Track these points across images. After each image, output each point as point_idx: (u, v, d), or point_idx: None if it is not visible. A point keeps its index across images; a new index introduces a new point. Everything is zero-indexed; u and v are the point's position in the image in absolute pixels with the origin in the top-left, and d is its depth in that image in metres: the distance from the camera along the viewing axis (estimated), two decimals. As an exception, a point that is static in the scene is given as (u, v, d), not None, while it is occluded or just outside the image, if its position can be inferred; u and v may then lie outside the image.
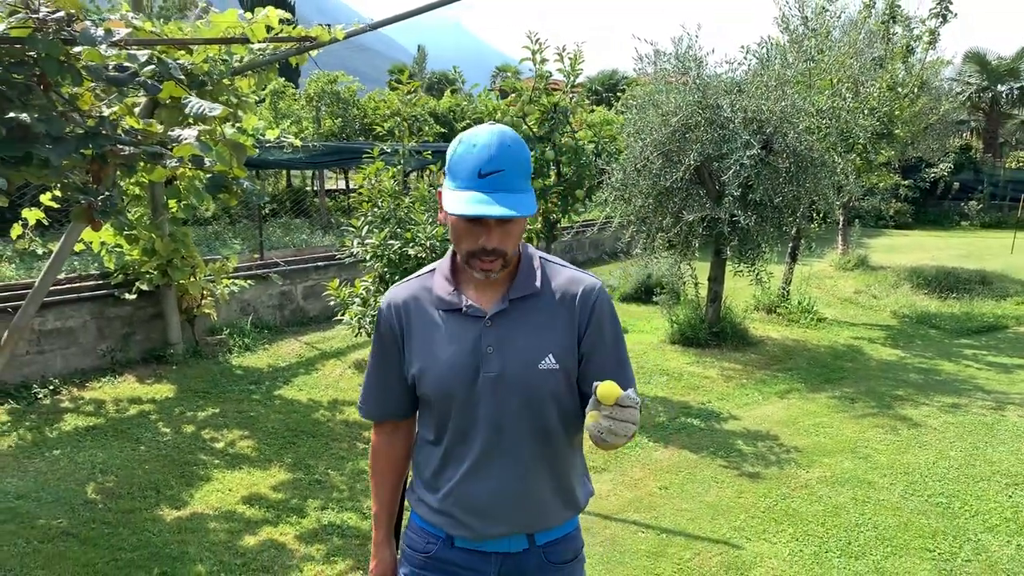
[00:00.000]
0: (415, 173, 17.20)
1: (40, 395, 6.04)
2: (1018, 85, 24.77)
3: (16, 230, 6.41)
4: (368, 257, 6.36)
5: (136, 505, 4.36)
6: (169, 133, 4.63)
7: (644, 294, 10.53)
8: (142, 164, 4.77)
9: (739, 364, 7.59)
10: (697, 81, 7.25)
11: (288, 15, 5.39)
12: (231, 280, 7.58)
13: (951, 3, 12.11)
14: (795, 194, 7.21)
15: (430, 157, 9.27)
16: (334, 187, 20.58)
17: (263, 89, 6.30)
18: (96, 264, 7.85)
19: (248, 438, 5.44)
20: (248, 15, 5.15)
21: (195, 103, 4.42)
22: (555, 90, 6.52)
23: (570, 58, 6.29)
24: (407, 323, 1.79)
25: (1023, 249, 15.77)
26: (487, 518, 1.75)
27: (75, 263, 8.25)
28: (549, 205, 6.56)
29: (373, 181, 6.82)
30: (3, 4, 3.98)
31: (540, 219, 6.63)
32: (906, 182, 14.19)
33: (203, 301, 7.36)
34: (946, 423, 5.99)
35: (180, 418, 5.78)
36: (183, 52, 5.39)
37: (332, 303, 7.06)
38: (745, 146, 6.77)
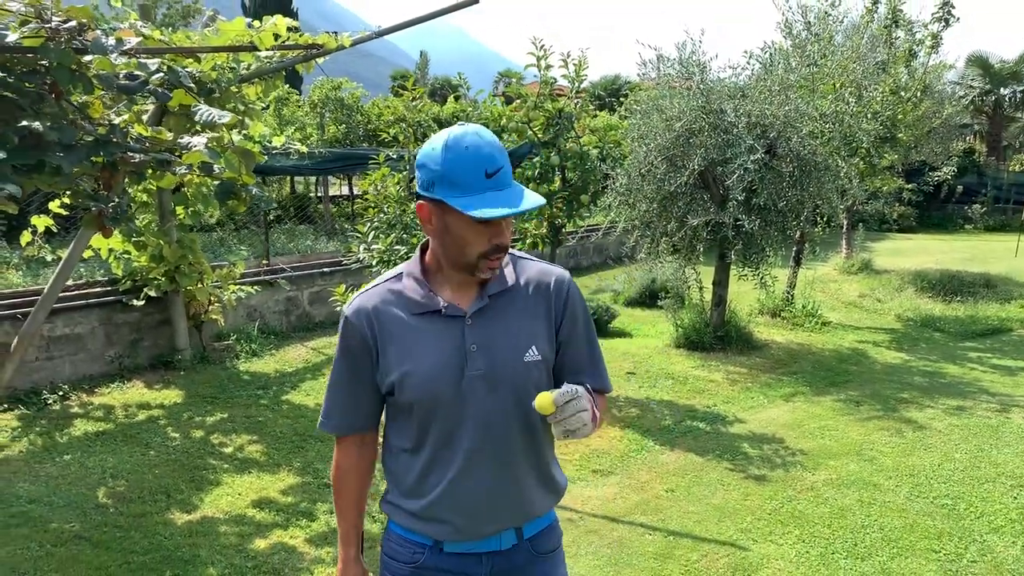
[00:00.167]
0: (420, 179, 17.19)
1: (50, 400, 6.09)
2: (1021, 88, 24.78)
3: (26, 237, 6.47)
4: (374, 263, 6.39)
5: (147, 509, 4.40)
6: (178, 140, 4.68)
7: (649, 298, 10.55)
8: (150, 171, 4.82)
9: (744, 368, 7.62)
10: (701, 86, 7.29)
11: (295, 23, 5.44)
12: (238, 286, 7.63)
13: (953, 7, 12.13)
14: (799, 198, 7.25)
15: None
16: (337, 193, 20.64)
17: (269, 96, 6.34)
18: (102, 271, 7.90)
19: (257, 443, 5.48)
20: (256, 23, 5.20)
21: (205, 110, 4.46)
22: (560, 95, 6.56)
23: (575, 64, 6.34)
24: (379, 330, 1.74)
25: (1027, 252, 15.79)
26: (479, 517, 1.76)
27: (81, 270, 8.31)
28: (554, 210, 6.60)
29: (379, 187, 6.85)
30: (14, 14, 4.03)
31: (545, 224, 6.66)
32: (909, 186, 14.21)
33: (210, 307, 7.40)
34: (951, 425, 6.01)
35: (189, 423, 5.82)
36: (191, 60, 5.44)
37: (338, 308, 7.09)
38: (749, 151, 6.80)
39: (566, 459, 5.24)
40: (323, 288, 8.96)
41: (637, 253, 8.25)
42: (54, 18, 4.05)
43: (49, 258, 6.82)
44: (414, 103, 6.87)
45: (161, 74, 4.41)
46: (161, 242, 6.84)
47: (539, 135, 6.51)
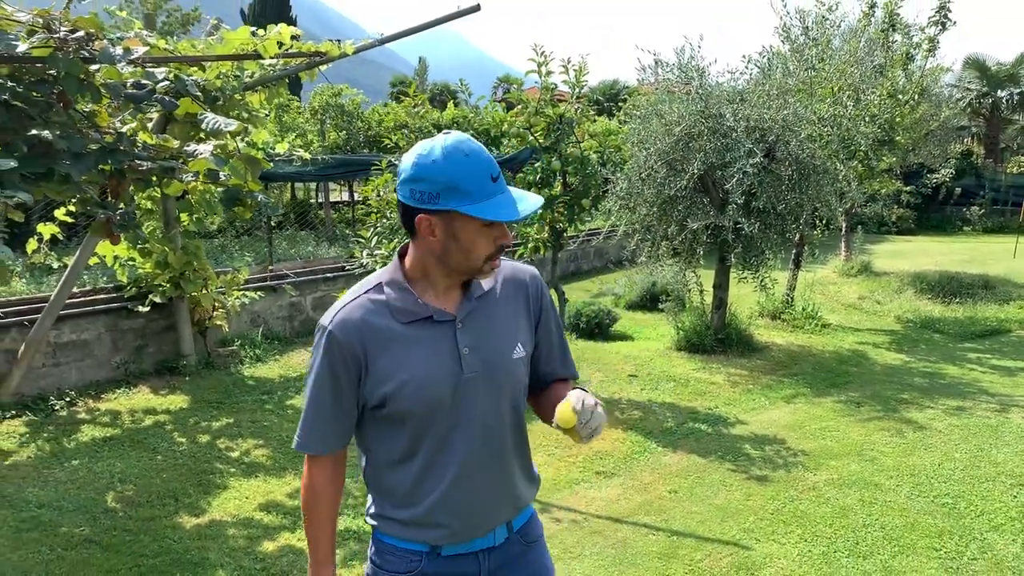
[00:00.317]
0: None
1: (57, 407, 6.14)
2: (1018, 90, 24.82)
3: (32, 245, 6.53)
4: (378, 267, 6.44)
5: (156, 513, 4.44)
6: (184, 148, 4.74)
7: (650, 302, 10.60)
8: (154, 178, 4.88)
9: (745, 370, 7.66)
10: (700, 91, 7.35)
11: (299, 31, 5.50)
12: (242, 292, 7.68)
13: (950, 11, 12.21)
14: (798, 201, 7.30)
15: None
16: (338, 199, 20.69)
17: (272, 104, 6.39)
18: (105, 277, 7.95)
19: (263, 447, 5.53)
20: (261, 32, 5.26)
21: (211, 118, 4.52)
22: (560, 101, 6.62)
23: (575, 70, 6.40)
24: (369, 343, 1.69)
25: (1026, 253, 15.85)
26: (477, 517, 1.79)
27: (84, 277, 8.35)
28: (555, 215, 6.65)
29: (382, 192, 6.91)
30: (23, 24, 4.08)
31: (547, 228, 6.72)
32: (908, 188, 14.26)
33: (214, 313, 7.45)
34: (951, 425, 6.06)
35: (195, 428, 5.87)
36: (195, 68, 5.51)
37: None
38: (748, 154, 6.86)
39: (570, 461, 5.29)
40: (326, 293, 9.02)
41: (638, 257, 8.30)
42: (62, 28, 4.11)
43: (55, 265, 6.87)
44: (416, 109, 6.93)
45: (167, 82, 4.46)
46: (166, 249, 6.89)
47: (540, 140, 6.57)
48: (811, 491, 4.84)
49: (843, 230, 14.35)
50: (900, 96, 10.76)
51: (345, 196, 20.52)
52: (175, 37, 5.64)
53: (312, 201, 19.24)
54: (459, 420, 1.73)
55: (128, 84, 4.31)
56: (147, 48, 4.37)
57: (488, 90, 45.82)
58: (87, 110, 4.63)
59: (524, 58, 6.40)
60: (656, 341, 8.80)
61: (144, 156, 4.59)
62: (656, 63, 7.89)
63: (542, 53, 6.21)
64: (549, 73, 6.32)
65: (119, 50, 4.06)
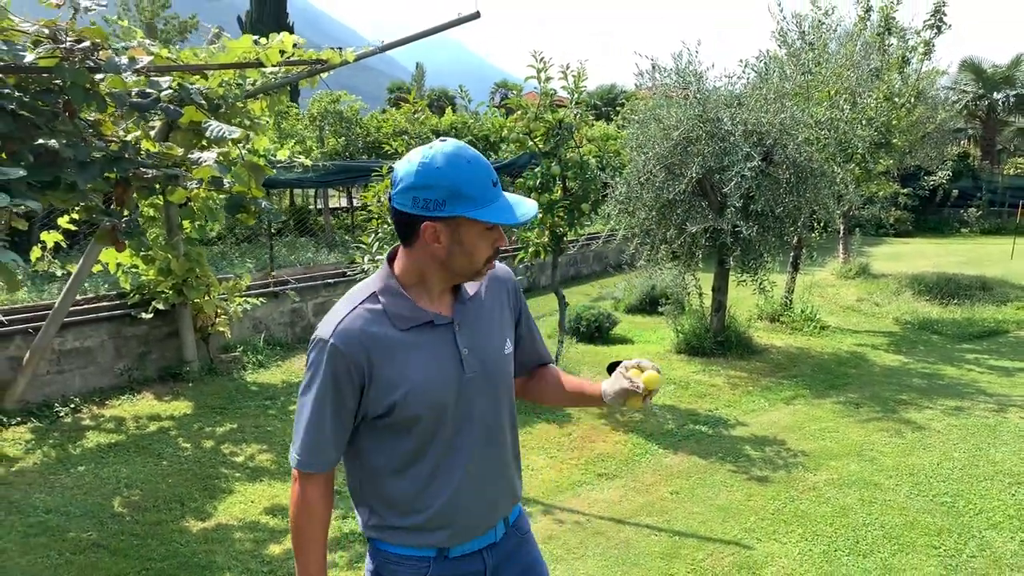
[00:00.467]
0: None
1: (61, 413, 6.17)
2: (1014, 92, 24.96)
3: (36, 253, 6.57)
4: (380, 273, 6.49)
5: (162, 517, 4.48)
6: (188, 156, 4.79)
7: (649, 305, 10.64)
8: (158, 186, 4.92)
9: (744, 372, 7.71)
10: (697, 95, 7.41)
11: (301, 40, 5.55)
12: (243, 298, 7.72)
13: (945, 14, 12.28)
14: (796, 204, 7.36)
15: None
16: (337, 205, 20.74)
17: (273, 111, 6.44)
18: (107, 284, 7.99)
19: (267, 452, 5.57)
20: (263, 40, 5.31)
21: (215, 126, 4.57)
22: (560, 106, 6.68)
23: (574, 75, 6.45)
24: (374, 353, 1.68)
25: (1023, 255, 15.90)
26: (483, 514, 1.84)
27: (86, 284, 8.38)
28: (555, 219, 6.70)
29: (382, 198, 6.96)
30: (29, 35, 4.13)
31: (547, 233, 6.76)
32: (905, 190, 14.31)
33: (217, 319, 7.49)
34: (949, 425, 6.11)
35: (199, 434, 5.90)
36: (197, 76, 5.55)
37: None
38: (746, 158, 6.92)
39: (572, 464, 5.34)
40: (327, 299, 9.06)
41: (637, 260, 8.34)
42: (67, 39, 4.16)
43: (59, 273, 6.91)
44: (416, 115, 6.98)
45: (171, 91, 4.51)
46: (169, 256, 6.93)
47: (540, 145, 6.62)
48: (811, 491, 4.88)
49: (841, 232, 14.40)
50: (896, 99, 10.82)
51: (343, 202, 20.59)
52: (176, 46, 5.68)
53: (311, 207, 19.28)
54: (462, 421, 1.77)
55: (133, 93, 4.36)
56: (151, 57, 4.42)
57: (486, 95, 45.89)
58: (92, 119, 4.68)
59: (523, 64, 6.45)
60: (656, 344, 8.85)
61: (148, 164, 4.63)
62: (653, 67, 7.95)
63: (541, 59, 6.27)
64: (548, 79, 6.38)
65: (124, 60, 4.11)
